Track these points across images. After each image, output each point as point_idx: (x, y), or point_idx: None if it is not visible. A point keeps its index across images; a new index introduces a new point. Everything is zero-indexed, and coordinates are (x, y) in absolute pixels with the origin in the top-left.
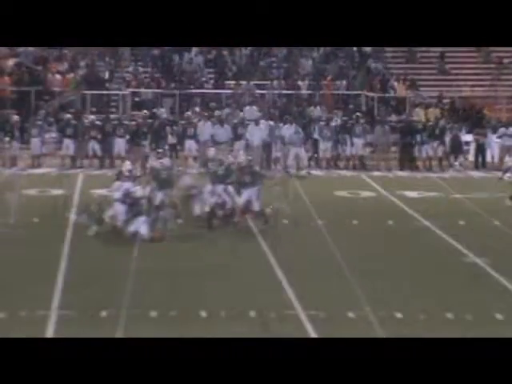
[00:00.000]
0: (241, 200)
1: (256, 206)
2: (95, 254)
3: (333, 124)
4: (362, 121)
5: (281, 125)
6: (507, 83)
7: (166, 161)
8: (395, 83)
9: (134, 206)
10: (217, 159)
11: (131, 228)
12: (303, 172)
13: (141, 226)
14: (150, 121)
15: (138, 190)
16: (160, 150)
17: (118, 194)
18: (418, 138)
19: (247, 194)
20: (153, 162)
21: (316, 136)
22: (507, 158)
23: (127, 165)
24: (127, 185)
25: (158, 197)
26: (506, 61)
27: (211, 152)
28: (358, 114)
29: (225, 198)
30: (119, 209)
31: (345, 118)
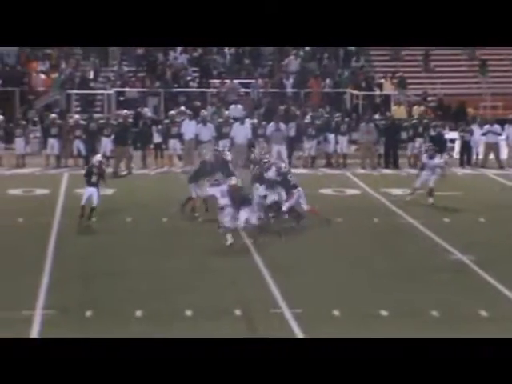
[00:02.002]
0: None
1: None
2: (80, 253)
3: (317, 122)
4: (346, 119)
5: (263, 123)
6: (491, 80)
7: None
8: (383, 81)
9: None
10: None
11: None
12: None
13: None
14: (130, 120)
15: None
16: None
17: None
18: (403, 135)
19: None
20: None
21: (293, 134)
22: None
23: (98, 156)
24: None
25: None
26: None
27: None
28: (341, 112)
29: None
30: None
31: (329, 116)
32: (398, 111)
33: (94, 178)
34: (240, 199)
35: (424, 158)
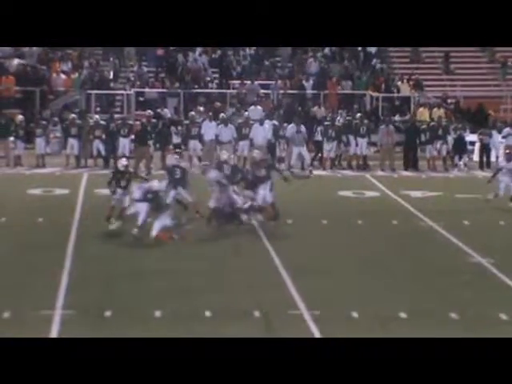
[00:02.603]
0: (258, 196)
1: (270, 198)
2: (100, 253)
3: (337, 124)
4: (366, 121)
5: (285, 125)
6: None
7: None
8: (399, 83)
9: (154, 200)
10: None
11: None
12: (306, 172)
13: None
14: (154, 121)
15: (155, 184)
16: (178, 150)
17: (137, 194)
18: (423, 137)
19: (262, 188)
20: (169, 160)
21: (319, 137)
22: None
23: (123, 161)
24: (145, 185)
25: (171, 195)
26: (510, 60)
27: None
28: (361, 113)
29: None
30: (140, 207)
31: (349, 118)
32: (423, 113)
33: (123, 183)
34: (156, 205)
35: (501, 161)
